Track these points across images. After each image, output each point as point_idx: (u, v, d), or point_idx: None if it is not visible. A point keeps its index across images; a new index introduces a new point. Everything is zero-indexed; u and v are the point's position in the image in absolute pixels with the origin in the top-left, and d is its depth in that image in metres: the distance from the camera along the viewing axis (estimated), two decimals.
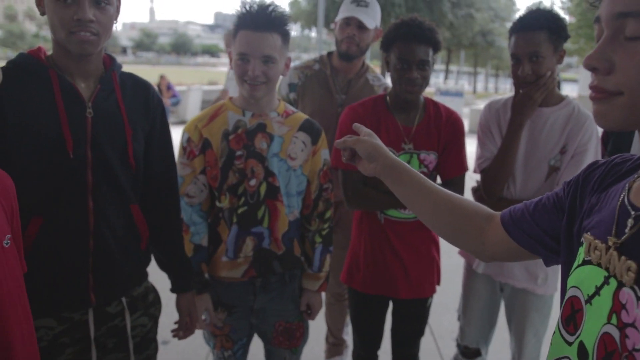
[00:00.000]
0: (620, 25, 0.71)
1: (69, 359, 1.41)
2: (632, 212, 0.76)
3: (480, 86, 46.72)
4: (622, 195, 0.81)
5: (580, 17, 19.46)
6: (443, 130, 1.99)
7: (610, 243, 0.77)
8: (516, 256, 1.08)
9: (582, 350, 0.79)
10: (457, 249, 2.21)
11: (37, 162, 1.31)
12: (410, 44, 1.86)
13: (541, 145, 1.93)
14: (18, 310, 0.96)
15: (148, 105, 1.50)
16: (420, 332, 2.19)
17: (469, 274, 2.15)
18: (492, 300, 2.13)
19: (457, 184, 1.99)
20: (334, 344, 2.85)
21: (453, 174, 2.00)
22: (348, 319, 2.83)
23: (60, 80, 1.32)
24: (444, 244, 2.08)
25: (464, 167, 2.01)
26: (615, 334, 0.72)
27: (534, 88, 1.86)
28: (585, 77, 17.31)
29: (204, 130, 1.77)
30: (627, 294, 0.72)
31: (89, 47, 1.31)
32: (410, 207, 1.20)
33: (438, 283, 2.13)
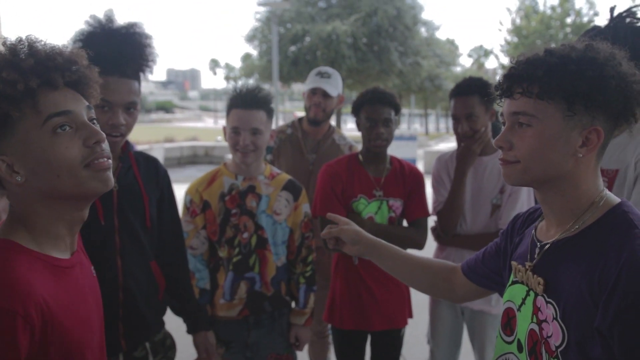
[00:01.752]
0: (515, 119, 1.08)
1: None
2: (538, 244, 1.14)
3: (432, 127, 48.19)
4: (532, 233, 1.19)
5: None
6: (407, 181, 2.34)
7: (527, 266, 1.14)
8: (477, 294, 1.45)
9: (519, 345, 1.16)
10: None
11: None
12: (376, 106, 2.24)
13: (484, 188, 2.31)
14: (98, 335, 1.17)
15: (158, 176, 1.80)
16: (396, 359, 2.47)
17: (434, 302, 2.47)
18: (456, 323, 2.44)
19: (420, 225, 2.33)
20: None
21: (416, 216, 2.34)
22: (329, 354, 3.09)
23: None
24: None
25: (425, 212, 2.35)
26: (536, 328, 1.09)
27: (472, 142, 2.25)
28: None
29: (204, 193, 2.09)
30: (540, 300, 1.09)
31: (116, 147, 1.62)
32: (392, 273, 1.54)
33: (410, 316, 2.42)
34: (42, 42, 1.00)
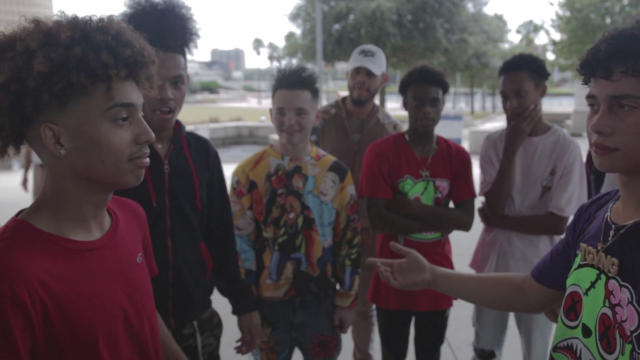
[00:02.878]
0: (614, 102, 1.01)
1: None
2: (613, 226, 1.10)
3: (477, 105, 47.02)
4: (605, 215, 1.14)
5: (571, 34, 19.86)
6: (454, 161, 2.31)
7: (599, 247, 1.10)
8: (553, 299, 1.36)
9: (585, 329, 1.12)
10: (466, 267, 2.52)
11: None
12: (423, 85, 2.21)
13: (534, 169, 2.25)
14: (152, 320, 1.19)
15: (208, 158, 1.83)
16: (440, 341, 2.46)
17: None
18: None
19: (467, 206, 2.30)
20: (362, 359, 3.11)
21: (463, 198, 2.31)
22: (372, 335, 3.10)
23: None
24: (455, 263, 2.38)
25: (472, 193, 2.32)
26: (609, 312, 1.05)
27: (521, 120, 2.18)
28: (581, 91, 17.61)
29: (250, 173, 2.11)
30: (613, 283, 1.05)
31: (168, 124, 1.65)
32: (462, 298, 1.50)
33: (455, 297, 2.40)
34: (131, 30, 1.03)
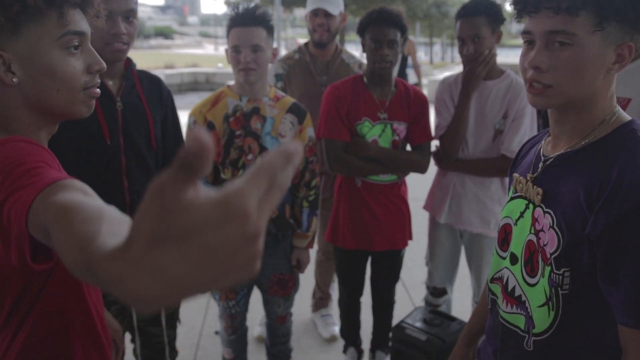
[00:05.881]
0: (551, 37, 1.02)
1: (114, 314, 1.68)
2: (543, 158, 1.15)
3: (436, 56, 46.97)
4: (538, 148, 1.19)
5: None
6: (412, 105, 2.33)
7: (528, 178, 1.16)
8: None
9: (513, 257, 1.18)
10: (421, 210, 2.59)
11: (80, 150, 1.58)
12: (381, 27, 2.20)
13: (487, 113, 2.30)
14: None
15: (162, 96, 1.80)
16: (395, 279, 2.56)
17: (433, 225, 2.53)
18: (454, 246, 2.51)
19: (424, 149, 2.35)
20: (321, 298, 3.19)
21: (420, 141, 2.35)
22: (334, 276, 3.18)
23: None
24: (410, 207, 2.45)
25: (429, 136, 2.37)
26: (534, 239, 1.11)
27: (476, 65, 2.22)
28: None
29: (208, 114, 2.08)
30: (538, 211, 1.11)
31: (121, 55, 1.60)
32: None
33: (410, 237, 2.48)
34: None
